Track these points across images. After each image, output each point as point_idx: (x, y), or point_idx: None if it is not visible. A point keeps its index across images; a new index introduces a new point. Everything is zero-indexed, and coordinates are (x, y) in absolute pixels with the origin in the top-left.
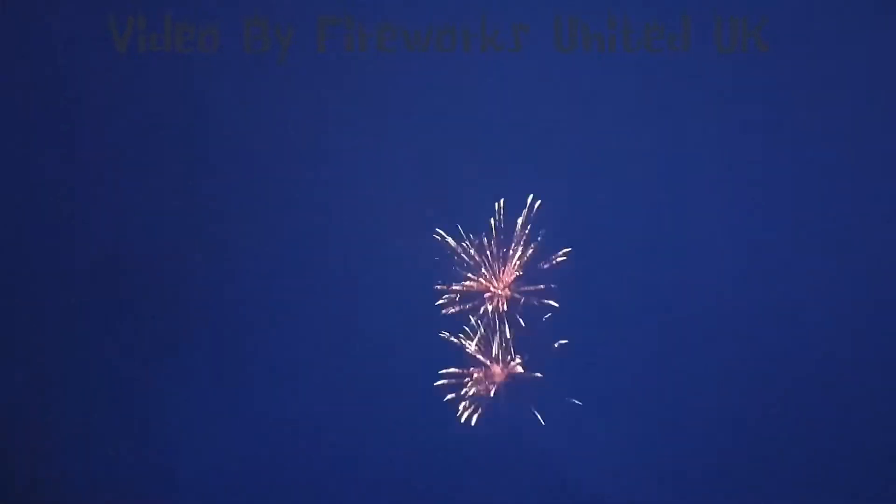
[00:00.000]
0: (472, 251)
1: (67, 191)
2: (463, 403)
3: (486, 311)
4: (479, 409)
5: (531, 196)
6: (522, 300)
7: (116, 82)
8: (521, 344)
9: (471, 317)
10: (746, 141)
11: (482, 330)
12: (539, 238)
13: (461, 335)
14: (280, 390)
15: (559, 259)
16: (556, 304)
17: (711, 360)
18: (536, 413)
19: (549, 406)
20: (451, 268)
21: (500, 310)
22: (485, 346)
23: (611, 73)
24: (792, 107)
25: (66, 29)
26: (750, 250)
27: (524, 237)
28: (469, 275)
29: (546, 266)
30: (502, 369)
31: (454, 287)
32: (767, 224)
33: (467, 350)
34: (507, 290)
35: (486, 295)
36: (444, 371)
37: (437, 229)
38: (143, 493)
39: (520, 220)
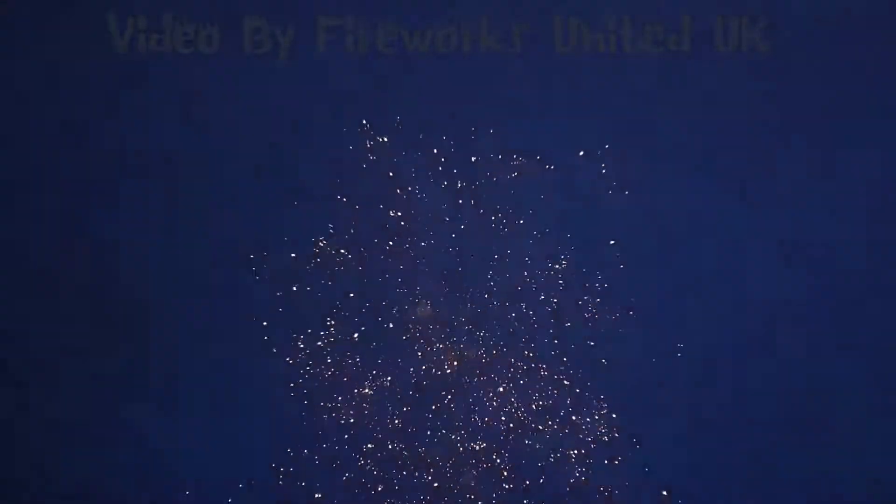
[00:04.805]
0: None
1: (66, 191)
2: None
3: None
4: None
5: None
6: None
7: (116, 82)
8: None
9: None
10: (747, 141)
11: None
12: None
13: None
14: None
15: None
16: None
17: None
18: None
19: None
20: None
21: None
22: None
23: (611, 73)
24: (793, 107)
25: (64, 28)
26: (749, 250)
27: None
28: None
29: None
30: None
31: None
32: (768, 225)
33: None
34: None
35: None
36: None
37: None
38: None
39: None
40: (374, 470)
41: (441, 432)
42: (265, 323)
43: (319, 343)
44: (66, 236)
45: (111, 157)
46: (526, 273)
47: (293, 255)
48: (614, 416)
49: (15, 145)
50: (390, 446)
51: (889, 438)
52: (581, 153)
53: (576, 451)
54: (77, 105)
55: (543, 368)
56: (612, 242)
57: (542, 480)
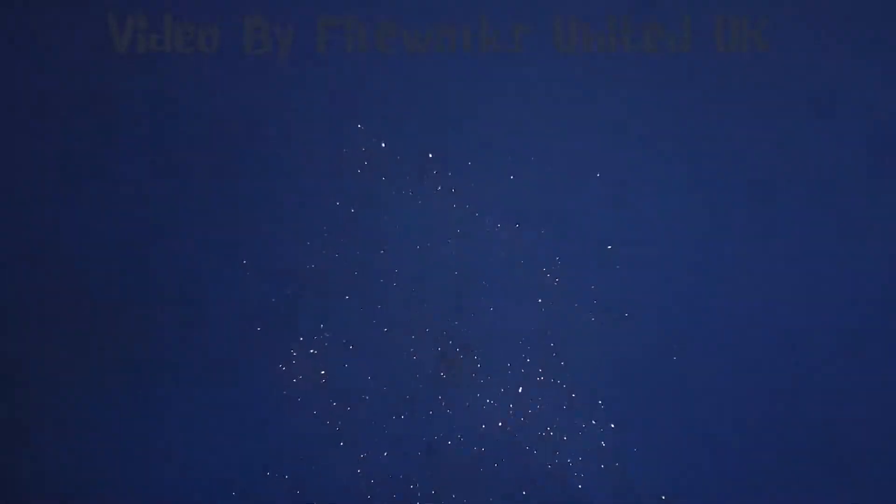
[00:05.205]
0: None
1: (64, 190)
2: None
3: None
4: None
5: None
6: None
7: (116, 82)
8: None
9: None
10: (747, 141)
11: None
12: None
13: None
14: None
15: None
16: None
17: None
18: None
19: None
20: None
21: None
22: None
23: (611, 73)
24: (792, 107)
25: (64, 28)
26: (749, 253)
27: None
28: None
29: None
30: None
31: None
32: (768, 225)
33: None
34: None
35: None
36: None
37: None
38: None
39: None
40: (370, 476)
41: (436, 437)
42: (259, 328)
43: (313, 350)
44: (63, 236)
45: (110, 156)
46: (522, 276)
47: (289, 257)
48: (612, 420)
49: (13, 145)
50: (385, 453)
51: (891, 442)
52: (579, 154)
53: (572, 456)
54: (77, 105)
55: (540, 373)
56: (609, 247)
57: (538, 486)
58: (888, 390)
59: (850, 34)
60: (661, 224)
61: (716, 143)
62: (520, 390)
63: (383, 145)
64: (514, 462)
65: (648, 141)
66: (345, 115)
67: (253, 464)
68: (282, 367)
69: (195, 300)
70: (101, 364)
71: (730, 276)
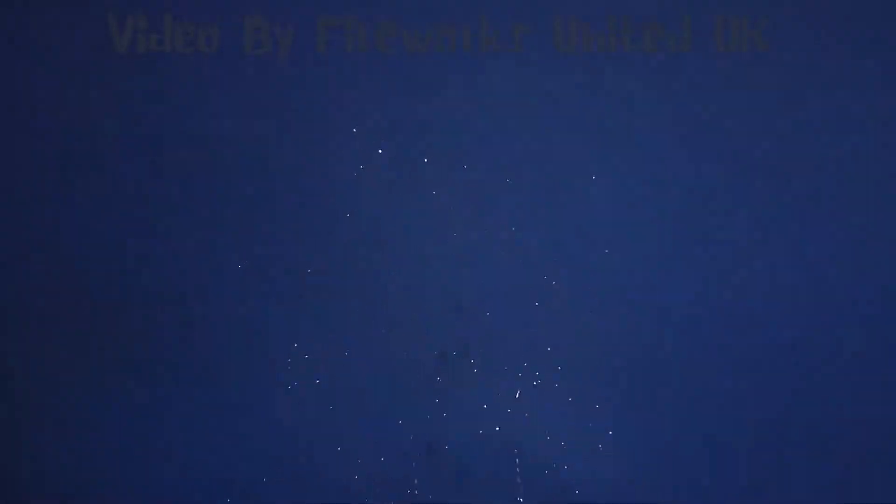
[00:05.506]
0: None
1: (65, 191)
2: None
3: None
4: None
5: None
6: None
7: (116, 82)
8: None
9: None
10: (747, 141)
11: None
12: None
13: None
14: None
15: None
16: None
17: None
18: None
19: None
20: None
21: None
22: None
23: (611, 73)
24: (792, 107)
25: (64, 28)
26: (750, 253)
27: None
28: None
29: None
30: None
31: None
32: (769, 225)
33: None
34: None
35: None
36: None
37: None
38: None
39: None
40: (368, 478)
41: (435, 439)
42: (258, 328)
43: (311, 350)
44: (63, 236)
45: (110, 156)
46: (521, 278)
47: (289, 258)
48: (610, 423)
49: (13, 145)
50: (383, 456)
51: (891, 442)
52: (579, 154)
53: (570, 459)
54: (76, 105)
55: (537, 375)
56: (608, 248)
57: (536, 488)
58: (889, 390)
59: (850, 34)
60: (661, 224)
61: (716, 144)
62: (518, 393)
63: (382, 146)
64: (512, 464)
65: (648, 141)
66: (344, 115)
67: (252, 464)
68: (280, 368)
69: (195, 300)
70: (101, 364)
71: (730, 277)
